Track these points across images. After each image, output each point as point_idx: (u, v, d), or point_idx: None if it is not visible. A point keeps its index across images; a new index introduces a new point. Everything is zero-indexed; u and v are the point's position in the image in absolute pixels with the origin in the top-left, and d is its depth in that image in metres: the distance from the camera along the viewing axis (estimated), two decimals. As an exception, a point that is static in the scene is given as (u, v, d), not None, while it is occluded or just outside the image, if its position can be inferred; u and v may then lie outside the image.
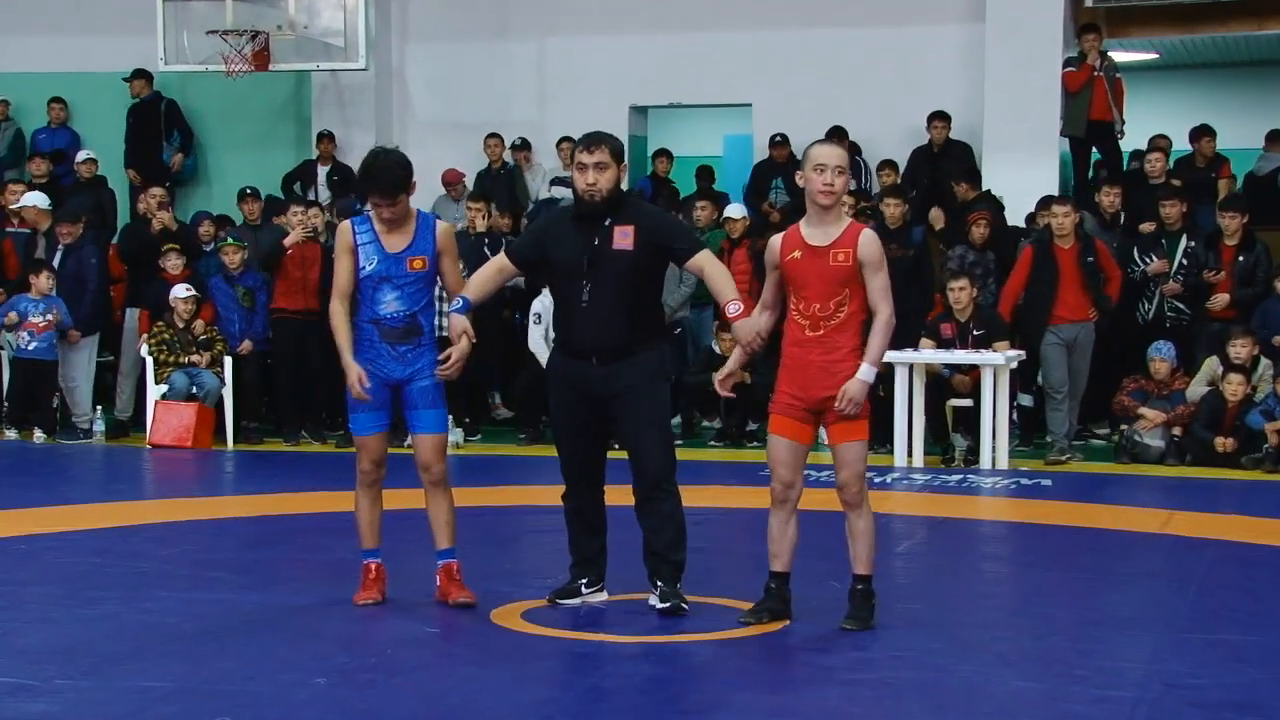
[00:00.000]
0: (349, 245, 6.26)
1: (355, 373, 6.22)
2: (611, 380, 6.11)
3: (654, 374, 6.18)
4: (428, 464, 6.31)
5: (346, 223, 6.40)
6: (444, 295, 6.60)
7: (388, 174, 6.18)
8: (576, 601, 6.30)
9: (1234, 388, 10.94)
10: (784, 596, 6.09)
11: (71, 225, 12.43)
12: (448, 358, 6.18)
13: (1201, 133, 13.70)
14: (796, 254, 5.93)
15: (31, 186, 13.72)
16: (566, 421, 6.29)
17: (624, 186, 6.23)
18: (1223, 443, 10.85)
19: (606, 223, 6.12)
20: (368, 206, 6.41)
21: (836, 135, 13.88)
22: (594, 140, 6.14)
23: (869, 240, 5.92)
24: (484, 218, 12.46)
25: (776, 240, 6.07)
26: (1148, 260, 11.95)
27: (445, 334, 6.43)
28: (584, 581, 6.34)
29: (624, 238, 6.09)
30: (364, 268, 6.23)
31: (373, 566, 6.44)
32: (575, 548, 6.39)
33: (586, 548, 6.36)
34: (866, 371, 5.85)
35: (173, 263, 12.27)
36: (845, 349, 5.88)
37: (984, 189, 12.83)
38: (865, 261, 5.87)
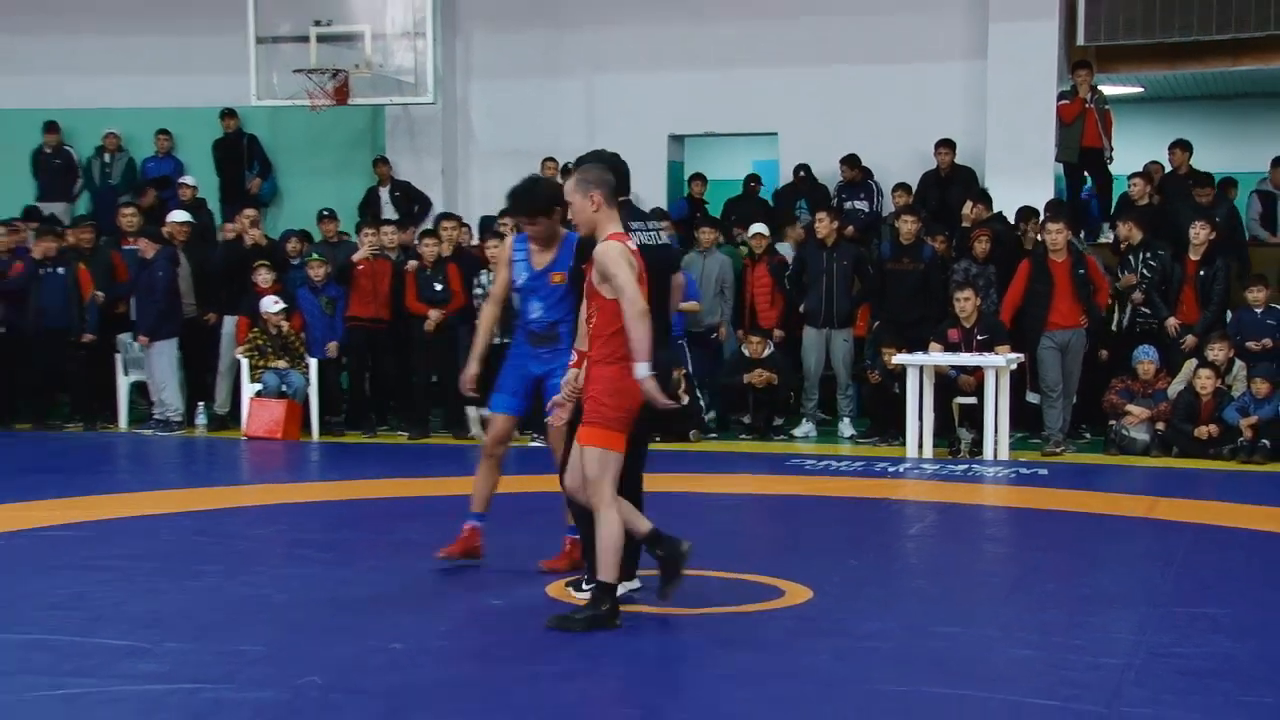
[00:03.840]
0: (507, 259, 6.41)
1: (469, 373, 6.49)
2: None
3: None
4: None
5: (510, 238, 6.54)
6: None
7: (519, 197, 6.29)
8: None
9: (1203, 381, 10.88)
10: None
11: (150, 243, 12.45)
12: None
13: (1176, 146, 13.54)
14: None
15: (139, 211, 13.73)
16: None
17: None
18: (1205, 430, 10.78)
19: None
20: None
21: (848, 162, 13.90)
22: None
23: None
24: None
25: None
26: (1120, 275, 11.87)
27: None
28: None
29: None
30: (515, 280, 6.37)
31: (467, 528, 6.53)
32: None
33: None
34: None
35: (263, 276, 12.34)
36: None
37: (997, 211, 12.74)
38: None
